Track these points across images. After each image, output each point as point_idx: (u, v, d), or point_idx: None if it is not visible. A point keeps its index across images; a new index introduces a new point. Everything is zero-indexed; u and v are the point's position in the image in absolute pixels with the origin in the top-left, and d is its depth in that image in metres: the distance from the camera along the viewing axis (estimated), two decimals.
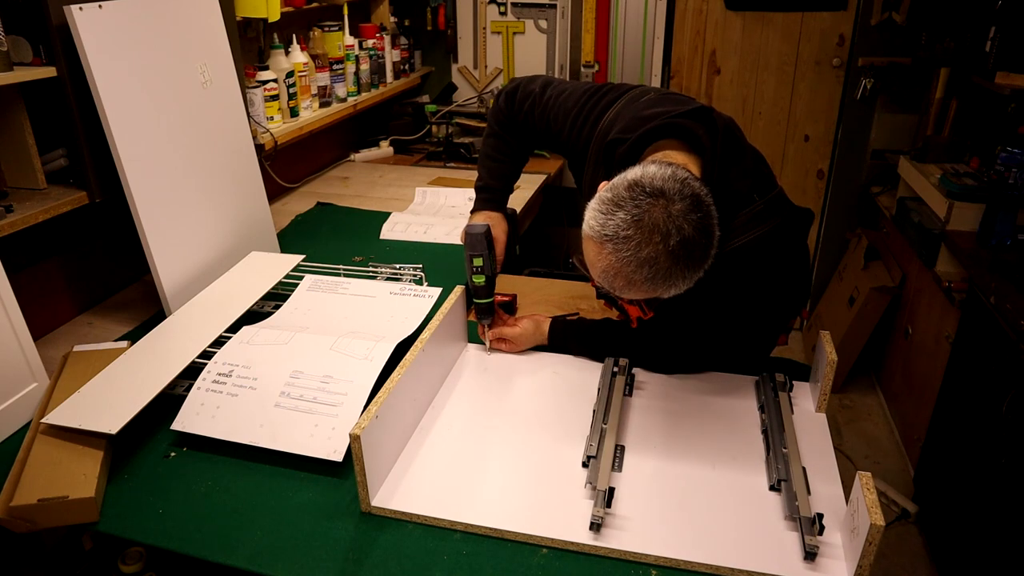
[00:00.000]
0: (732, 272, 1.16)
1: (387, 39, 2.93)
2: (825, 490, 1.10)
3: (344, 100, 2.63)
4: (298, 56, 2.33)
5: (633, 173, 1.03)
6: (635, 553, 0.98)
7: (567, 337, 1.46)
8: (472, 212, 1.53)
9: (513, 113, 1.50)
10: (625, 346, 1.40)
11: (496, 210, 1.52)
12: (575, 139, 1.37)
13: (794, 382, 1.33)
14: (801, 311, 1.49)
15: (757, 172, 1.21)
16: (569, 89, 1.42)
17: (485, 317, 1.45)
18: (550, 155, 3.02)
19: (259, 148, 2.06)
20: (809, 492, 1.06)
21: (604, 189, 1.05)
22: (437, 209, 2.33)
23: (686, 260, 1.01)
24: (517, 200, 2.42)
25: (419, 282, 1.69)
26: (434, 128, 3.10)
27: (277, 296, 1.60)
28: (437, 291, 1.56)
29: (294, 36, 2.34)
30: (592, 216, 1.04)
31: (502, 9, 3.22)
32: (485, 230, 1.41)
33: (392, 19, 3.06)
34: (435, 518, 1.05)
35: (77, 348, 1.42)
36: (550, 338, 1.47)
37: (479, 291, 1.42)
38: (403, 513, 1.06)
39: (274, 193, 2.39)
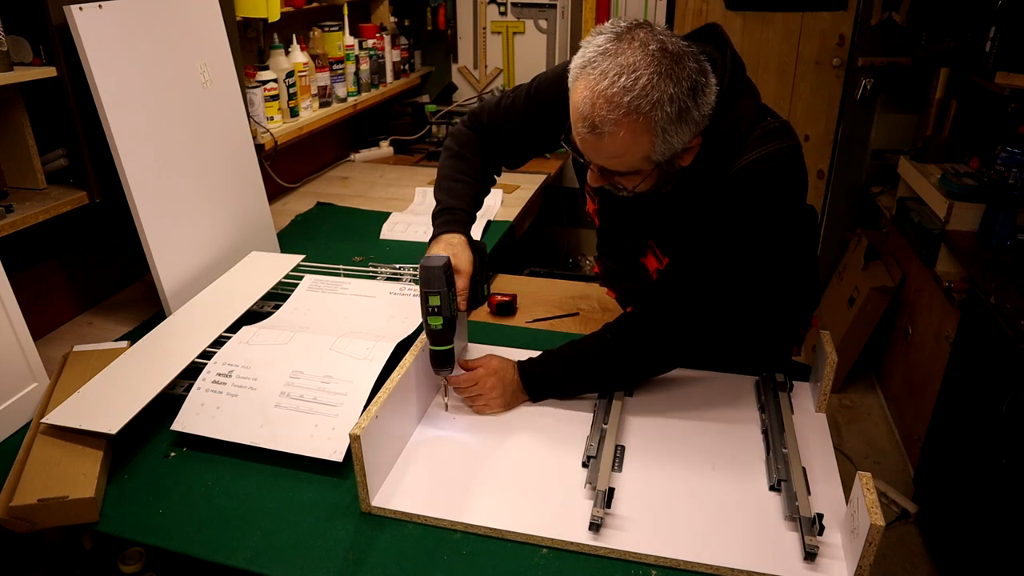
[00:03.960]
0: (747, 194, 1.10)
1: (387, 39, 2.93)
2: (825, 490, 1.10)
3: (344, 100, 2.63)
4: (298, 56, 2.33)
5: None
6: (635, 553, 0.98)
7: (549, 372, 1.26)
8: (431, 241, 1.27)
9: (480, 126, 1.36)
10: (627, 346, 1.24)
11: (459, 232, 1.26)
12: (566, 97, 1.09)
13: (794, 382, 1.33)
14: (811, 318, 1.48)
15: (765, 107, 1.17)
16: (545, 72, 1.32)
17: (443, 368, 1.21)
18: (551, 155, 3.02)
19: (259, 148, 2.06)
20: (809, 492, 1.06)
21: None
22: None
23: (669, 72, 0.96)
24: (517, 200, 2.42)
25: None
26: (434, 128, 3.10)
27: (277, 296, 1.60)
28: None
29: (294, 36, 2.34)
30: (574, 59, 1.02)
31: (502, 9, 3.22)
32: (444, 263, 1.16)
33: (392, 19, 3.06)
34: (435, 518, 1.05)
35: (77, 348, 1.42)
36: (528, 386, 1.27)
37: (436, 337, 1.17)
38: (403, 513, 1.05)
39: (274, 193, 2.39)
